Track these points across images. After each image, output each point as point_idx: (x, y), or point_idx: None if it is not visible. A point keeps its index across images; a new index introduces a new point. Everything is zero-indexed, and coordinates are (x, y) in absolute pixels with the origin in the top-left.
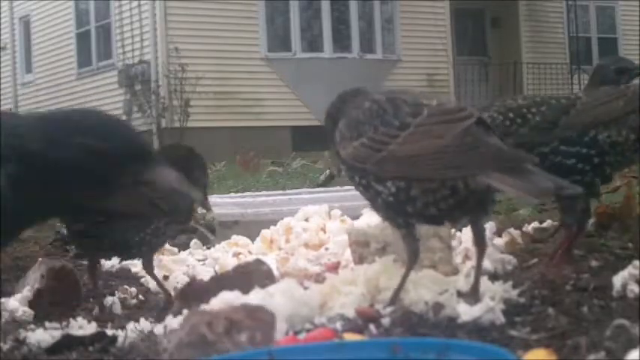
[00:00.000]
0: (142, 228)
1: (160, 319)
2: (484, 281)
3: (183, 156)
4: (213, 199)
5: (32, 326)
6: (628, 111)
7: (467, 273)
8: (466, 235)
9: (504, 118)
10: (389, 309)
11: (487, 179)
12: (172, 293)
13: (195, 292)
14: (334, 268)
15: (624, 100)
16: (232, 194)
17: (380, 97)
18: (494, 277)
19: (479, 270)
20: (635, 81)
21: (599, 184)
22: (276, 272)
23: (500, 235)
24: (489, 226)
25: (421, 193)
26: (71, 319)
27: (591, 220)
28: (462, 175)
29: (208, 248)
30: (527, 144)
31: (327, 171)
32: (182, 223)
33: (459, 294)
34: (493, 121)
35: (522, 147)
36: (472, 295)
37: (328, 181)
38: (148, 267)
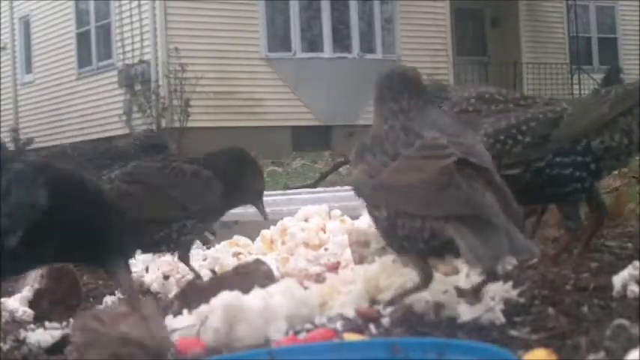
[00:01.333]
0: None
1: None
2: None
3: (237, 159)
4: None
5: (32, 326)
6: (614, 115)
7: (467, 273)
8: None
9: (495, 141)
10: (389, 309)
11: (453, 233)
12: (173, 294)
13: (195, 292)
14: (334, 268)
15: (609, 104)
16: None
17: (387, 125)
18: (494, 277)
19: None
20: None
21: (597, 188)
22: (276, 272)
23: None
24: None
25: (407, 227)
26: (71, 319)
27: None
28: (430, 214)
29: (208, 248)
30: (522, 162)
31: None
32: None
33: (460, 294)
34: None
35: (517, 165)
36: (474, 297)
37: (319, 182)
38: (185, 259)
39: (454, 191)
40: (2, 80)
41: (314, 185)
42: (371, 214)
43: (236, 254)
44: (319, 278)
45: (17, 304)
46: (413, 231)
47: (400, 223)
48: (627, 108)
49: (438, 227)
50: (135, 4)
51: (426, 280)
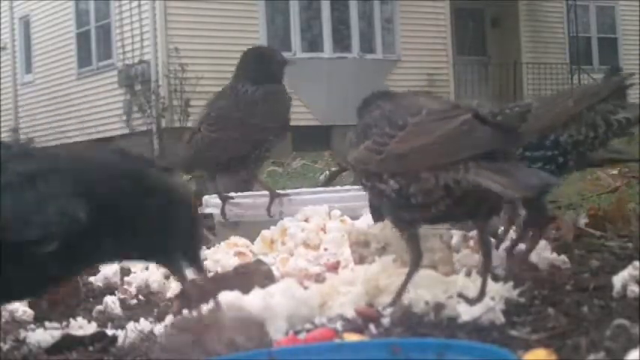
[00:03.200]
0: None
1: (159, 319)
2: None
3: None
4: (213, 199)
5: (32, 326)
6: (579, 109)
7: (467, 272)
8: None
9: None
10: (389, 309)
11: (476, 177)
12: (173, 294)
13: (196, 292)
14: (334, 268)
15: (573, 100)
16: (232, 194)
17: (385, 102)
18: (494, 277)
19: (485, 275)
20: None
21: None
22: (276, 272)
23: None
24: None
25: (419, 191)
26: (71, 319)
27: (584, 221)
28: (452, 160)
29: (208, 248)
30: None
31: (327, 172)
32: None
33: (460, 294)
34: None
35: None
36: (477, 298)
37: (330, 182)
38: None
39: (477, 132)
40: (2, 80)
41: (325, 185)
42: (375, 192)
43: (238, 254)
44: (319, 278)
45: (17, 304)
46: (426, 194)
47: (412, 191)
48: (591, 104)
49: (459, 176)
50: (135, 4)
51: (417, 261)
